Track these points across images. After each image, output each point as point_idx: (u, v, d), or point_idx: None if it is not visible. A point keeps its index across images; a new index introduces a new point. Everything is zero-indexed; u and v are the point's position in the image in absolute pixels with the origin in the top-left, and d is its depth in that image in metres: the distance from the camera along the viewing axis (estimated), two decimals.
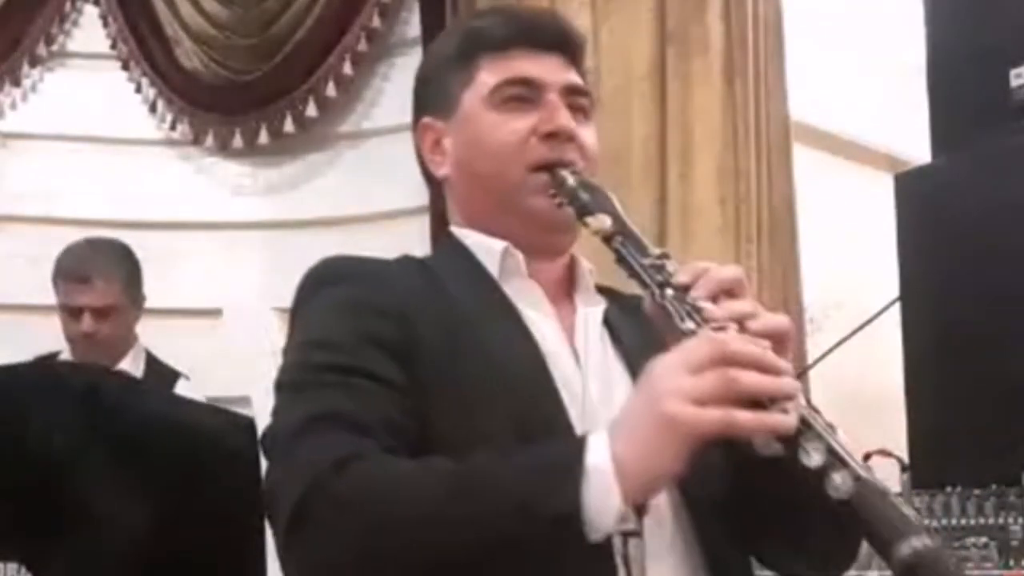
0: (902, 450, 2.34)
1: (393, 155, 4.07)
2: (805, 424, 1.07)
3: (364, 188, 4.05)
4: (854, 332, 2.89)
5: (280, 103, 4.12)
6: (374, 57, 4.16)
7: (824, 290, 3.64)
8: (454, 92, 1.42)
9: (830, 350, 2.93)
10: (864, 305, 2.91)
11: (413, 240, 3.41)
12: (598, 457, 1.06)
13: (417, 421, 1.20)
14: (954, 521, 2.13)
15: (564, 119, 1.36)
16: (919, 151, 2.72)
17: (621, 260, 1.25)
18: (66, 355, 3.19)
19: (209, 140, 4.21)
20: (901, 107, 3.50)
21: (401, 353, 1.23)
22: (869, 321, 2.84)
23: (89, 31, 4.25)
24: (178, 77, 4.17)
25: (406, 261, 1.41)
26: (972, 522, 2.11)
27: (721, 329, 1.13)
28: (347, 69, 4.10)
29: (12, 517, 1.97)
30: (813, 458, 1.06)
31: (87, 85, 4.23)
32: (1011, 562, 2.06)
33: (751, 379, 1.06)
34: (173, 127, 4.22)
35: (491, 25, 1.43)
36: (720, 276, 1.19)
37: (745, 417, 1.05)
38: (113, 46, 4.22)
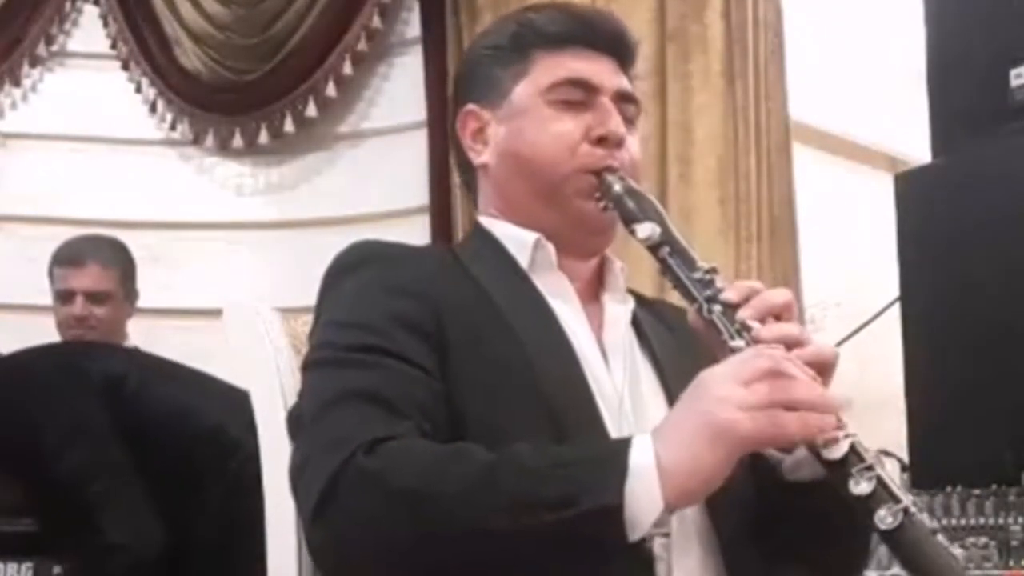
0: (902, 450, 2.33)
1: (393, 155, 4.09)
2: (856, 452, 1.07)
3: (364, 188, 4.05)
4: (854, 332, 2.89)
5: (280, 103, 4.12)
6: (374, 57, 4.16)
7: (824, 290, 3.64)
8: (505, 83, 1.40)
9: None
10: (864, 305, 2.91)
11: (413, 240, 3.40)
12: (643, 457, 1.06)
13: (445, 404, 1.19)
14: (954, 521, 2.13)
15: (616, 124, 1.36)
16: (919, 151, 2.71)
17: (667, 271, 1.25)
18: None
19: (209, 140, 4.20)
20: (901, 107, 3.50)
21: (431, 337, 1.22)
22: (869, 321, 2.84)
23: (89, 31, 4.25)
24: (178, 77, 4.16)
25: (435, 249, 1.42)
26: (972, 522, 2.11)
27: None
28: (347, 69, 4.10)
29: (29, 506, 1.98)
30: (862, 487, 1.06)
31: (87, 85, 4.23)
32: (1011, 562, 2.06)
33: (802, 391, 1.07)
34: (173, 127, 4.21)
35: (548, 19, 1.41)
36: (771, 299, 1.19)
37: (790, 418, 1.06)
38: (113, 46, 4.22)
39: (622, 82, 1.41)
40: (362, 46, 4.10)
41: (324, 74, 4.08)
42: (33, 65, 4.18)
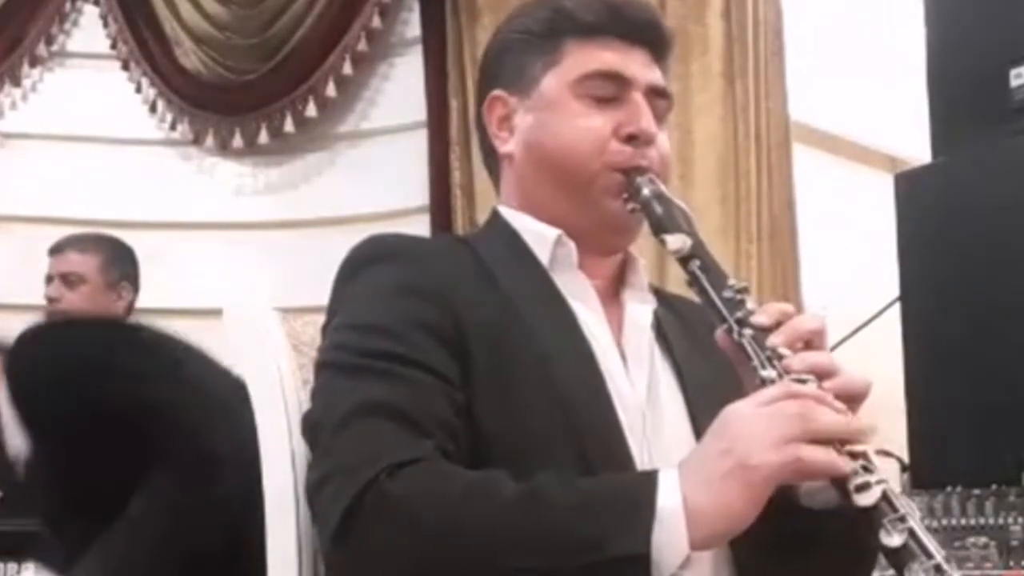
0: (902, 450, 2.34)
1: (393, 155, 4.09)
2: (888, 502, 1.05)
3: (364, 188, 4.06)
4: (854, 332, 2.89)
5: (280, 103, 4.12)
6: (374, 57, 4.16)
7: (824, 290, 3.65)
8: (534, 71, 1.35)
9: (830, 350, 2.92)
10: (864, 305, 2.91)
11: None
12: (670, 499, 1.04)
13: (465, 414, 1.17)
14: (954, 521, 2.13)
15: (647, 122, 1.31)
16: (919, 151, 2.71)
17: (696, 284, 1.21)
18: None
19: (209, 140, 4.21)
20: (901, 107, 3.50)
21: (450, 340, 1.19)
22: (869, 321, 2.84)
23: (89, 31, 4.25)
24: (178, 77, 4.17)
25: (453, 242, 1.37)
26: (972, 522, 2.11)
27: (801, 383, 1.10)
28: (347, 69, 4.10)
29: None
30: (894, 539, 1.04)
31: (87, 85, 4.23)
32: (1011, 562, 2.06)
33: (832, 431, 1.06)
34: (173, 127, 4.22)
35: (582, 7, 1.35)
36: (803, 325, 1.16)
37: (820, 459, 1.04)
38: (113, 46, 4.22)
39: (655, 76, 1.35)
40: (362, 46, 4.10)
41: (324, 74, 4.09)
42: (33, 65, 4.18)
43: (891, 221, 2.47)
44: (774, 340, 1.14)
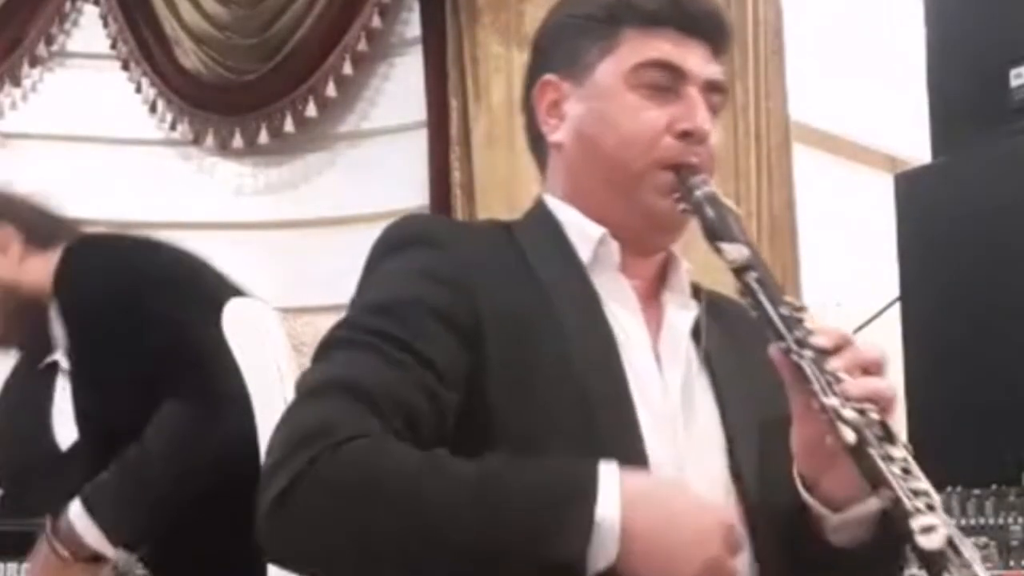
0: None
1: (393, 155, 4.09)
2: (953, 548, 1.01)
3: (364, 188, 4.06)
4: (854, 332, 2.88)
5: (280, 103, 4.12)
6: (374, 57, 4.16)
7: (824, 290, 3.65)
8: (590, 57, 1.30)
9: None
10: (864, 305, 2.91)
11: None
12: (608, 511, 1.02)
13: (471, 411, 1.15)
14: (954, 521, 2.13)
15: (702, 119, 1.27)
16: (919, 151, 2.72)
17: (752, 298, 1.17)
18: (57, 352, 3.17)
19: (209, 140, 4.21)
20: (901, 107, 3.50)
21: (461, 329, 1.17)
22: (869, 321, 2.85)
23: (89, 31, 4.25)
24: (178, 77, 4.17)
25: (494, 229, 1.32)
26: (972, 522, 2.11)
27: (862, 413, 1.07)
28: (347, 69, 4.10)
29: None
30: None
31: (87, 85, 4.23)
32: (1011, 562, 2.06)
33: None
34: (173, 127, 4.22)
35: None
36: (866, 354, 1.13)
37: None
38: (113, 46, 4.22)
39: (713, 70, 1.30)
40: (362, 46, 4.10)
41: (324, 74, 4.09)
42: (33, 65, 4.18)
43: (891, 221, 2.47)
44: (834, 364, 1.10)
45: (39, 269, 2.20)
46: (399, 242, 1.26)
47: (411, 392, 1.13)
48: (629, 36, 1.29)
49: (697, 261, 1.31)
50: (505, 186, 3.72)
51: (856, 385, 1.09)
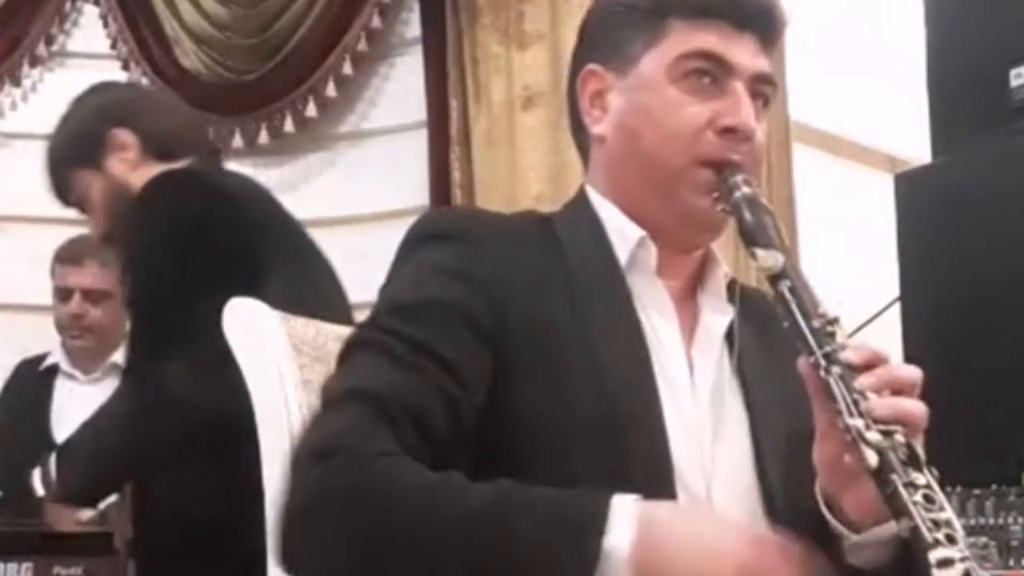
0: None
1: (393, 155, 4.09)
2: None
3: (364, 188, 4.05)
4: (854, 332, 2.89)
5: (280, 103, 4.12)
6: (374, 57, 4.16)
7: (824, 290, 3.64)
8: (634, 48, 1.27)
9: None
10: (864, 305, 2.91)
11: None
12: (619, 541, 1.00)
13: (491, 410, 1.15)
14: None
15: (746, 115, 1.23)
16: (919, 151, 2.71)
17: (784, 307, 1.15)
18: (56, 354, 3.17)
19: None
20: (901, 107, 3.50)
21: (484, 330, 1.16)
22: (869, 321, 2.84)
23: (89, 31, 4.25)
24: (178, 77, 4.16)
25: (531, 223, 1.30)
26: (972, 522, 2.11)
27: (888, 435, 1.04)
28: (347, 69, 4.10)
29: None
30: None
31: (87, 85, 4.22)
32: (1011, 562, 2.06)
33: None
34: None
35: None
36: (899, 374, 1.10)
37: None
38: (113, 46, 4.22)
39: (760, 63, 1.26)
40: (362, 46, 4.10)
41: (324, 74, 4.08)
42: (33, 65, 4.18)
43: (891, 221, 2.46)
44: (863, 382, 1.07)
45: (147, 178, 2.23)
46: (429, 236, 1.26)
47: (427, 398, 1.13)
48: (676, 28, 1.26)
49: (728, 257, 1.29)
50: (505, 186, 3.72)
51: (884, 405, 1.06)
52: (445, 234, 1.26)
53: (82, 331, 3.05)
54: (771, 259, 1.18)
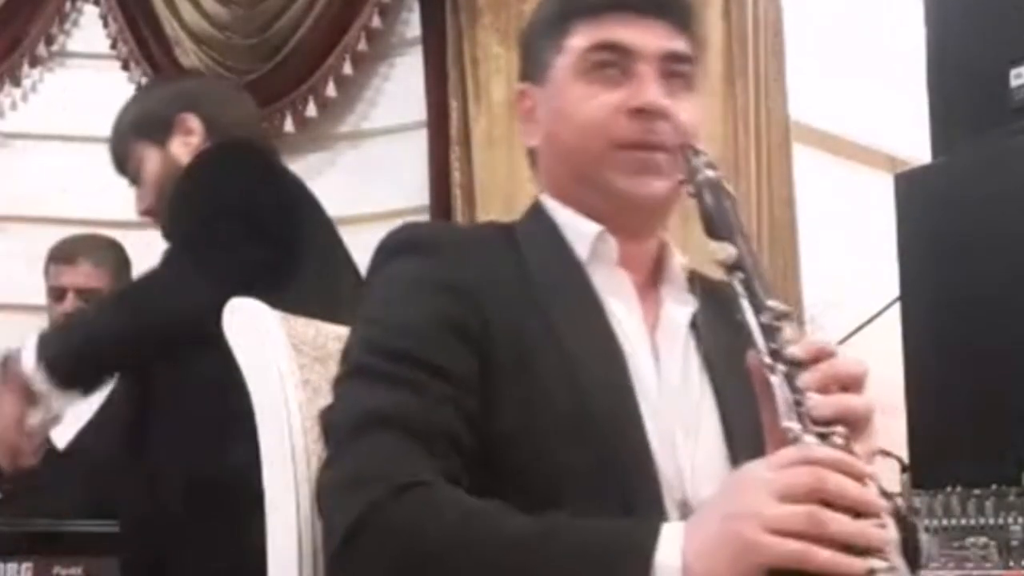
0: (902, 450, 2.34)
1: (393, 155, 4.09)
2: None
3: (364, 188, 4.05)
4: (854, 332, 2.89)
5: (280, 103, 4.12)
6: (374, 57, 4.16)
7: (824, 290, 3.65)
8: (547, 59, 1.32)
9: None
10: (864, 305, 2.91)
11: None
12: (668, 556, 1.00)
13: (481, 415, 1.15)
14: (954, 521, 2.13)
15: (652, 94, 1.25)
16: (919, 151, 2.71)
17: (736, 299, 1.15)
18: None
19: None
20: (901, 107, 3.50)
21: (472, 338, 1.17)
22: (869, 321, 2.84)
23: (89, 31, 4.25)
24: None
25: (492, 231, 1.34)
26: (972, 522, 2.11)
27: (823, 437, 1.03)
28: (347, 69, 4.10)
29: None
30: None
31: (87, 85, 4.22)
32: (1011, 562, 2.06)
33: (842, 527, 0.97)
34: None
35: None
36: (842, 369, 1.08)
37: (825, 557, 0.96)
38: (113, 46, 4.21)
39: (668, 43, 1.28)
40: (362, 46, 4.10)
41: (324, 74, 4.08)
42: (33, 65, 4.17)
43: (891, 221, 2.46)
44: (807, 378, 1.06)
45: None
46: (398, 249, 1.27)
47: (442, 411, 1.14)
48: (578, 28, 1.29)
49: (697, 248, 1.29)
50: (505, 186, 3.72)
51: (825, 404, 1.05)
52: (414, 247, 1.27)
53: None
54: (724, 251, 1.17)
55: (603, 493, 1.14)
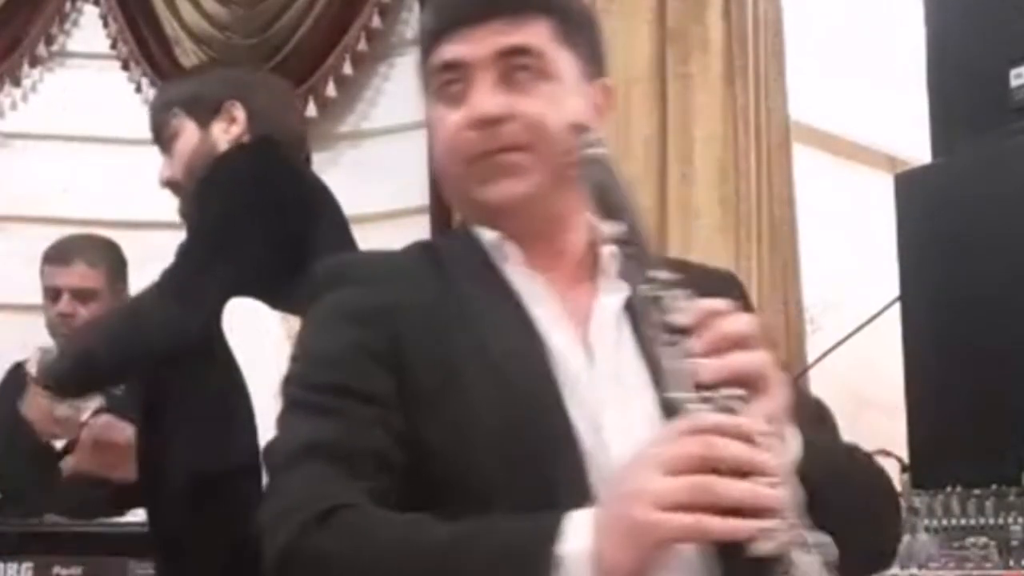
0: (902, 450, 2.34)
1: (393, 155, 4.09)
2: (786, 558, 0.96)
3: (364, 188, 4.05)
4: (854, 332, 2.89)
5: None
6: (374, 57, 4.16)
7: (824, 290, 3.65)
8: (424, 90, 1.38)
9: (830, 350, 2.93)
10: (864, 305, 2.91)
11: (413, 240, 3.40)
12: (577, 544, 1.00)
13: (407, 436, 1.18)
14: (954, 521, 2.13)
15: (478, 102, 1.27)
16: (919, 151, 2.72)
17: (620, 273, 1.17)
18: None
19: None
20: (901, 107, 3.50)
21: (386, 361, 1.20)
22: (869, 321, 2.84)
23: (89, 31, 4.25)
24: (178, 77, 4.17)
25: (414, 251, 1.36)
26: (972, 522, 2.11)
27: (708, 401, 1.01)
28: (347, 69, 4.10)
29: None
30: None
31: (87, 85, 4.23)
32: (1011, 562, 2.06)
33: (730, 492, 0.96)
34: None
35: (426, 19, 1.38)
36: (727, 328, 1.05)
37: (717, 525, 0.95)
38: (113, 46, 4.22)
39: (499, 40, 1.28)
40: (362, 46, 4.10)
41: (324, 74, 4.09)
42: (33, 65, 4.18)
43: (891, 221, 2.47)
44: (693, 344, 1.04)
45: None
46: (321, 286, 1.30)
47: (370, 435, 1.17)
48: (430, 55, 1.34)
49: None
50: None
51: (709, 367, 1.03)
52: (338, 279, 1.30)
53: (72, 331, 3.05)
54: (610, 227, 1.16)
55: (529, 493, 1.13)
